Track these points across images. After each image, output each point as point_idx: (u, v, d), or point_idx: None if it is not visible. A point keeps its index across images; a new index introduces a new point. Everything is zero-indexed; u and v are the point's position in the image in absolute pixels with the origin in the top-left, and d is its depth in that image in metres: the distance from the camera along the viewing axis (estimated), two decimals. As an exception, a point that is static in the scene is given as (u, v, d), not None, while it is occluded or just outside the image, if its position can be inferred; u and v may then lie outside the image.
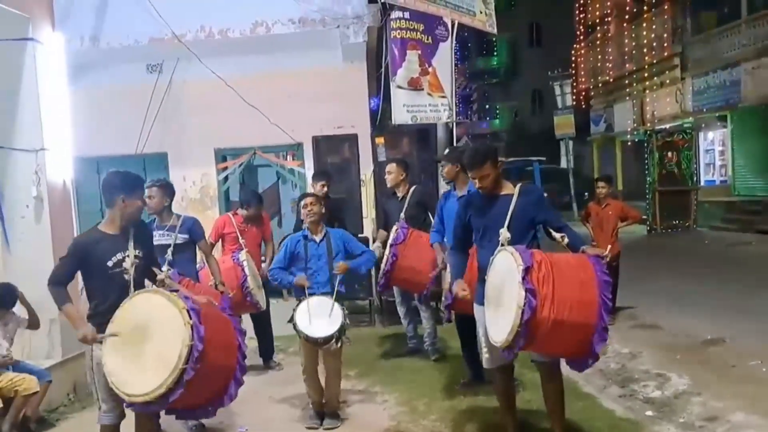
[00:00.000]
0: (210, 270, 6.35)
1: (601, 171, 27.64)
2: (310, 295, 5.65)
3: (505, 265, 4.28)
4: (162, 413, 4.49)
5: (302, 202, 5.99)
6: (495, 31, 10.55)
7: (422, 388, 6.52)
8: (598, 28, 28.64)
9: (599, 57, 28.63)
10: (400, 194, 7.58)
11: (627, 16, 25.63)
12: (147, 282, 4.56)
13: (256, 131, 10.44)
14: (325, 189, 7.98)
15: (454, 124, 9.98)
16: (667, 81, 23.45)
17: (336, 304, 5.59)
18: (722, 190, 21.97)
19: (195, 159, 10.88)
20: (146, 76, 10.66)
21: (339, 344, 5.53)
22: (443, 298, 5.98)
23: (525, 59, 41.83)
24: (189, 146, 10.79)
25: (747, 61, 19.27)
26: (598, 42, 28.86)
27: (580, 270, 4.26)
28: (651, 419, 5.58)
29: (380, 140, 11.11)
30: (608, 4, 27.27)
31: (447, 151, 7.57)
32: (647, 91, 24.82)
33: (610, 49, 27.60)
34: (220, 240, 7.56)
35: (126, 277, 4.30)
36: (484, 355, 4.88)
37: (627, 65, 25.84)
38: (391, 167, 7.68)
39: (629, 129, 26.24)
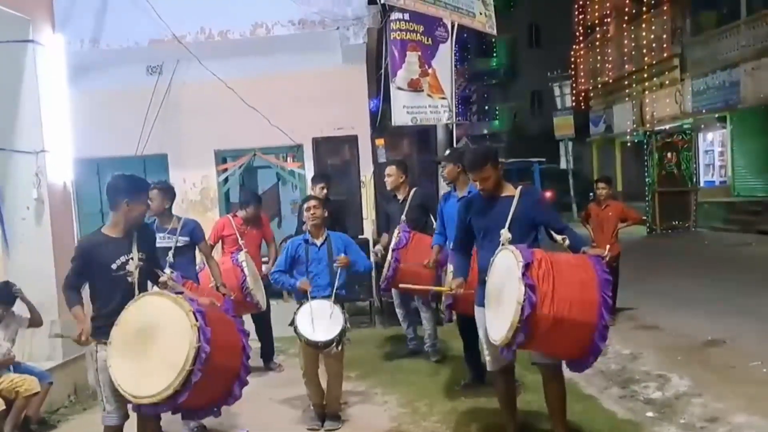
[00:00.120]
0: (210, 272, 6.36)
1: (601, 172, 27.64)
2: (312, 298, 5.65)
3: (506, 264, 4.29)
4: (165, 414, 4.49)
5: (305, 206, 5.99)
6: (495, 32, 10.55)
7: (423, 389, 6.53)
8: (598, 29, 28.68)
9: (598, 58, 28.67)
10: (400, 196, 7.58)
11: (626, 17, 25.68)
12: (149, 284, 4.57)
13: (256, 133, 10.43)
14: (325, 191, 7.98)
15: (454, 125, 9.97)
16: (667, 82, 23.48)
17: (337, 308, 5.60)
18: (722, 191, 22.00)
19: (195, 161, 10.86)
20: (146, 77, 10.63)
21: (339, 348, 5.52)
22: (443, 299, 5.98)
23: (524, 60, 41.77)
24: (189, 148, 10.77)
25: (746, 62, 19.30)
26: (597, 43, 28.89)
27: (580, 269, 4.27)
28: (652, 420, 5.58)
29: (380, 142, 11.10)
30: (607, 5, 27.31)
31: (448, 152, 7.57)
32: (647, 92, 24.86)
33: (609, 50, 27.63)
34: (220, 242, 7.57)
35: (130, 279, 4.32)
36: (487, 357, 4.88)
37: (626, 66, 25.86)
38: (391, 170, 7.67)
39: (629, 130, 26.26)
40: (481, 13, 9.98)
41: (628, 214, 9.27)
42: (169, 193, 6.38)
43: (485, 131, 43.15)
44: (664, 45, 22.90)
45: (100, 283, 4.35)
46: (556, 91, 28.81)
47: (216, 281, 6.24)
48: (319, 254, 5.84)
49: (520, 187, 4.81)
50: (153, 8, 9.57)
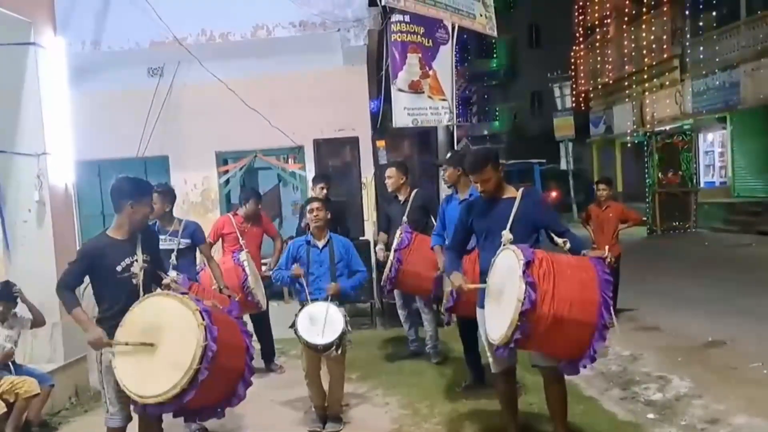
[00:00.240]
0: (212, 274, 6.37)
1: (601, 173, 27.69)
2: (312, 300, 5.66)
3: (507, 264, 4.31)
4: (166, 416, 4.50)
5: (308, 207, 5.97)
6: (495, 34, 10.56)
7: (424, 391, 6.53)
8: (598, 29, 28.70)
9: (598, 59, 28.69)
10: (401, 198, 7.58)
11: (626, 18, 25.70)
12: (153, 286, 4.58)
13: (257, 134, 10.45)
14: (325, 192, 7.99)
15: (455, 126, 9.97)
16: (667, 83, 23.50)
17: (338, 310, 5.59)
18: (722, 192, 22.02)
19: (196, 162, 10.88)
20: (147, 79, 10.65)
21: (339, 351, 5.52)
22: (444, 301, 5.99)
23: (524, 61, 41.79)
24: (190, 149, 10.78)
25: (746, 63, 19.32)
26: (597, 44, 28.91)
27: (581, 270, 4.28)
28: (652, 422, 5.59)
29: (381, 143, 11.10)
30: (607, 5, 27.34)
31: (449, 155, 7.57)
32: (647, 93, 24.88)
33: (609, 51, 27.66)
34: (220, 240, 7.59)
35: (134, 281, 4.35)
36: (489, 359, 4.89)
37: (626, 67, 25.89)
38: (391, 171, 7.67)
39: (629, 131, 26.30)
40: (481, 15, 9.98)
41: (628, 215, 9.28)
42: (169, 195, 6.40)
43: (485, 132, 43.19)
44: (664, 46, 22.93)
45: (105, 285, 4.37)
46: (557, 92, 28.79)
47: (218, 282, 6.25)
48: (321, 256, 5.84)
49: (521, 189, 4.82)
50: (154, 10, 9.58)
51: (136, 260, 4.38)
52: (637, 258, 13.09)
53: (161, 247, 5.73)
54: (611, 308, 4.24)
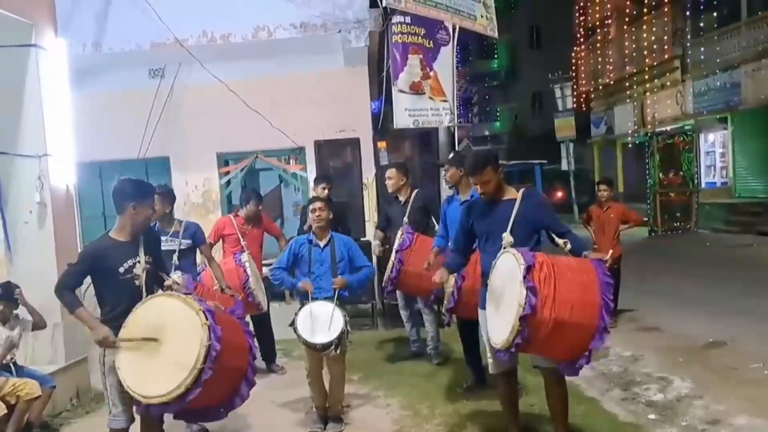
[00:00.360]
0: (213, 275, 6.39)
1: (602, 173, 27.68)
2: (313, 299, 5.66)
3: (507, 267, 4.31)
4: (167, 417, 4.50)
5: (311, 207, 5.98)
6: (496, 35, 10.57)
7: (425, 391, 6.54)
8: (599, 30, 28.70)
9: (599, 59, 28.69)
10: (402, 198, 7.59)
11: (627, 19, 25.68)
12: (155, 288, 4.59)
13: (258, 135, 10.45)
14: (326, 192, 8.00)
15: (456, 127, 9.98)
16: (668, 83, 23.50)
17: (337, 310, 5.60)
18: (723, 192, 22.01)
19: (197, 163, 10.89)
20: (148, 80, 10.65)
21: (338, 351, 5.52)
22: (445, 302, 6.00)
23: (525, 61, 41.77)
24: (191, 151, 10.79)
25: (747, 63, 19.32)
26: (598, 44, 28.90)
27: (582, 272, 4.28)
28: (653, 422, 5.59)
29: (382, 144, 11.12)
30: (608, 6, 27.34)
31: (451, 155, 7.57)
32: (647, 94, 24.87)
33: (610, 52, 27.66)
34: (221, 241, 7.60)
35: (137, 282, 4.36)
36: (489, 360, 4.90)
37: (627, 67, 25.90)
38: (391, 173, 7.67)
39: (630, 131, 26.28)
40: (482, 16, 9.99)
41: (629, 216, 9.27)
42: (168, 197, 6.43)
43: (486, 133, 43.17)
44: (665, 46, 22.93)
45: (107, 287, 4.38)
46: (557, 93, 28.80)
47: (219, 283, 6.27)
48: (322, 256, 5.85)
49: (521, 190, 4.82)
50: (155, 11, 9.59)
51: (139, 262, 4.39)
52: (638, 258, 13.08)
53: (163, 248, 5.76)
54: (611, 311, 4.24)
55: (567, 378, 4.80)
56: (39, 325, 6.15)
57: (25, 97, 6.62)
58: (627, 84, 26.40)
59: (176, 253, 6.22)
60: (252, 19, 10.09)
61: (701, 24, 21.77)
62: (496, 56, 43.97)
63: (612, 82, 27.71)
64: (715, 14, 21.40)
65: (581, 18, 30.40)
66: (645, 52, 23.94)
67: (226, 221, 7.67)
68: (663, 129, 22.65)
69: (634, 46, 25.10)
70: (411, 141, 12.32)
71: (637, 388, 6.50)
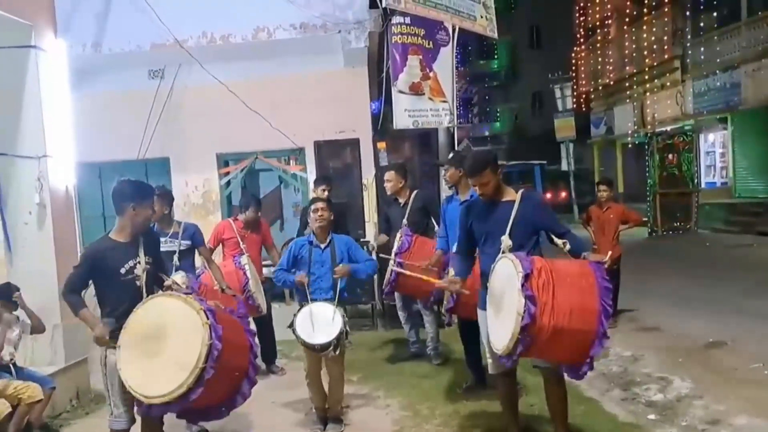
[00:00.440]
0: (213, 276, 6.40)
1: (602, 173, 27.69)
2: (312, 300, 5.66)
3: (506, 272, 4.30)
4: (167, 417, 4.51)
5: (313, 207, 5.97)
6: (496, 35, 10.55)
7: (425, 392, 6.54)
8: (599, 30, 28.71)
9: (599, 59, 28.70)
10: (401, 200, 7.58)
11: (627, 19, 25.70)
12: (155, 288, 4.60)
13: (258, 136, 10.46)
14: (326, 193, 7.99)
15: (456, 128, 9.98)
16: (668, 83, 23.51)
17: (337, 311, 5.60)
18: (723, 192, 22.02)
19: (197, 164, 10.90)
20: (148, 81, 10.66)
21: (337, 351, 5.52)
22: (445, 302, 6.00)
23: (525, 62, 41.79)
24: (191, 151, 10.80)
25: (747, 64, 19.33)
26: (598, 44, 28.92)
27: (581, 277, 4.27)
28: (653, 423, 5.59)
29: (382, 145, 11.11)
30: (608, 6, 27.35)
31: (451, 155, 7.57)
32: (647, 94, 24.88)
33: (610, 52, 27.67)
34: (221, 245, 7.60)
35: (138, 283, 4.37)
36: (488, 360, 4.90)
37: (627, 68, 25.91)
38: (390, 175, 7.66)
39: (630, 131, 26.29)
40: (482, 17, 9.98)
41: (629, 216, 9.26)
42: (167, 198, 6.44)
43: (486, 133, 43.18)
44: (665, 46, 22.94)
45: (108, 288, 4.38)
46: (557, 93, 28.77)
47: (220, 284, 6.29)
48: (323, 257, 5.83)
49: (521, 191, 4.81)
50: (155, 12, 9.60)
51: (139, 262, 4.40)
52: (638, 259, 13.09)
53: (162, 249, 5.77)
54: (610, 316, 4.24)
55: (567, 378, 4.80)
56: (37, 328, 6.15)
57: (24, 98, 6.62)
58: (627, 84, 26.41)
59: (176, 254, 6.23)
60: (252, 19, 10.10)
61: (701, 24, 21.79)
62: (495, 57, 43.96)
63: (612, 83, 27.72)
64: (715, 14, 21.42)
65: (581, 18, 30.42)
66: (645, 53, 23.95)
67: (226, 225, 7.66)
68: (663, 129, 22.65)
69: (634, 46, 25.11)
70: (411, 142, 12.31)
71: (637, 388, 6.50)
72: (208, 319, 4.04)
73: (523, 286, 4.03)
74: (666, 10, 22.87)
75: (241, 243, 7.38)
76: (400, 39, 9.41)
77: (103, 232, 4.62)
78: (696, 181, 20.72)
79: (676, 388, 6.31)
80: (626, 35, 25.84)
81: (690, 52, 22.25)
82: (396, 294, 7.56)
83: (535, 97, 41.40)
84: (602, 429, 5.43)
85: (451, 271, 5.19)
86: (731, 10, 20.61)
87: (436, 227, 7.34)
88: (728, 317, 8.80)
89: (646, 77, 24.64)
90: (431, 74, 9.57)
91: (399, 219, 7.40)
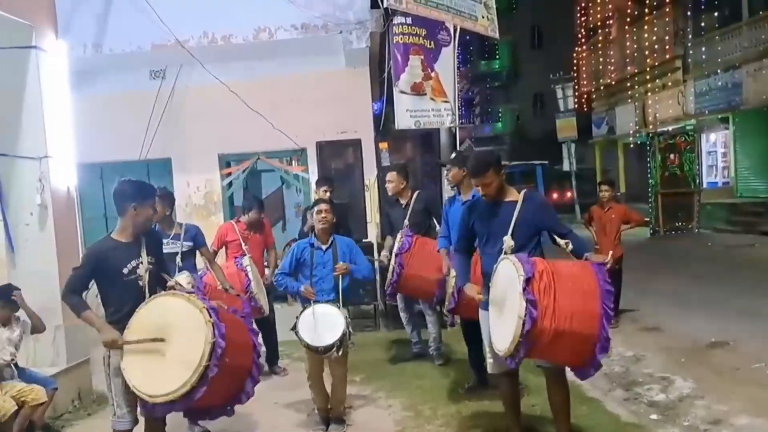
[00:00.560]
0: (215, 276, 6.40)
1: (604, 174, 27.66)
2: (315, 302, 5.65)
3: (507, 274, 4.30)
4: (169, 418, 4.50)
5: (316, 208, 5.96)
6: (497, 36, 10.56)
7: (427, 392, 6.53)
8: (600, 30, 28.71)
9: (601, 60, 28.67)
10: (403, 201, 7.56)
11: (628, 19, 25.70)
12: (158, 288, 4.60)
13: (259, 137, 10.46)
14: (328, 194, 7.99)
15: (457, 128, 9.97)
16: (669, 83, 23.50)
17: (339, 312, 5.59)
18: (725, 192, 22.00)
19: (199, 165, 10.90)
20: (149, 82, 10.67)
21: (340, 353, 5.51)
22: (447, 303, 5.99)
23: (527, 62, 41.78)
24: (192, 152, 10.80)
25: (748, 63, 19.31)
26: (599, 45, 28.91)
27: (582, 280, 4.26)
28: (655, 423, 5.60)
29: (384, 145, 11.12)
30: (609, 6, 27.35)
31: (453, 154, 7.56)
32: (649, 94, 24.87)
33: (611, 52, 27.66)
34: (224, 247, 7.59)
35: (140, 283, 4.36)
36: (488, 360, 4.89)
37: (629, 68, 25.89)
38: (391, 176, 7.64)
39: (631, 131, 26.27)
40: (483, 17, 9.98)
41: (630, 216, 9.26)
42: (168, 199, 6.44)
43: (488, 133, 43.18)
44: (667, 46, 22.93)
45: (111, 288, 4.38)
46: (559, 93, 28.73)
47: (222, 284, 6.29)
48: (324, 258, 5.82)
49: (523, 192, 4.80)
50: (156, 13, 9.59)
51: (142, 262, 4.39)
52: (640, 259, 13.07)
53: (165, 250, 5.77)
54: (611, 320, 4.24)
55: (569, 378, 4.79)
56: (38, 328, 6.13)
57: (25, 98, 6.61)
58: (628, 84, 26.40)
59: (179, 255, 6.23)
60: (253, 20, 10.10)
61: (702, 24, 21.78)
62: (497, 57, 43.96)
63: (613, 83, 27.70)
64: (716, 14, 21.41)
65: (582, 18, 30.41)
66: (646, 53, 23.94)
67: (228, 227, 7.66)
68: (664, 129, 22.62)
69: (635, 46, 25.10)
70: (412, 142, 12.31)
71: (639, 388, 6.51)
72: (211, 317, 4.04)
73: (524, 290, 4.03)
74: (667, 10, 22.86)
75: (243, 245, 7.38)
76: (401, 39, 9.41)
77: (105, 232, 4.61)
78: (698, 181, 20.67)
79: (678, 388, 6.32)
80: (627, 35, 25.83)
81: (691, 52, 22.24)
82: (398, 295, 7.56)
83: (537, 98, 41.40)
84: (605, 429, 5.42)
85: (452, 273, 5.18)
86: (732, 10, 20.60)
87: (438, 228, 7.33)
88: (730, 317, 8.80)
89: (648, 77, 24.63)
90: (433, 74, 9.57)
91: (400, 220, 7.38)
